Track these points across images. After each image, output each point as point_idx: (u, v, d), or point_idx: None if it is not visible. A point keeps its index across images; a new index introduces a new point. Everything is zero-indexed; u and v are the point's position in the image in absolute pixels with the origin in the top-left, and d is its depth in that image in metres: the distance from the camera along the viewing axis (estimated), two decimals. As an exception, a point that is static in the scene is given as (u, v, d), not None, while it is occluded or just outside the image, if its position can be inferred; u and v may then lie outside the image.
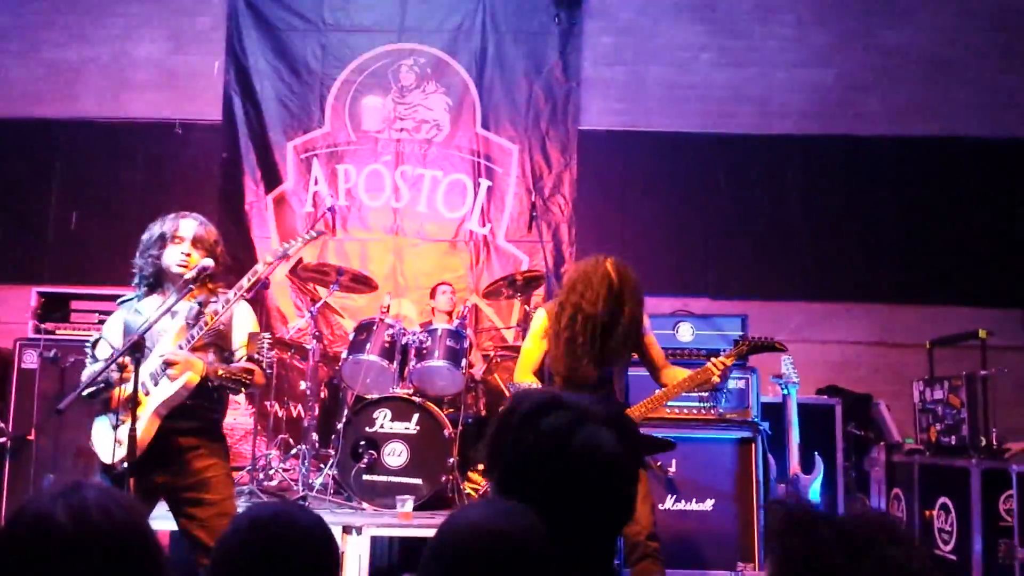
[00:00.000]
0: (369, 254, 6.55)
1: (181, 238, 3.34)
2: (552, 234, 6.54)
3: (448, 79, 6.80)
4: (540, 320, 3.84)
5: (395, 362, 5.15)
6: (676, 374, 3.76)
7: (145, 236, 3.41)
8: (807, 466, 4.72)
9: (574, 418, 1.37)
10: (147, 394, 3.24)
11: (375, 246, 6.57)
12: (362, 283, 5.63)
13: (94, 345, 3.40)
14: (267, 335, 3.49)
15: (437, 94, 6.79)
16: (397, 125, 6.76)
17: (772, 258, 6.50)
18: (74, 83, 6.91)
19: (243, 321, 3.37)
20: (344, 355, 5.23)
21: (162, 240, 3.35)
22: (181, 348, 3.22)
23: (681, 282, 6.35)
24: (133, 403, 3.06)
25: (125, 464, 3.08)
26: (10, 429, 4.97)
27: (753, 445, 4.63)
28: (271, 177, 6.70)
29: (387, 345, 5.16)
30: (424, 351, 5.18)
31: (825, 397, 5.63)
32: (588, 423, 1.36)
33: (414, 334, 5.30)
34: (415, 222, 6.64)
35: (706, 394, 4.70)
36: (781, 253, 6.51)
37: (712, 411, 4.74)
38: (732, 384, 4.75)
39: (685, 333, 4.95)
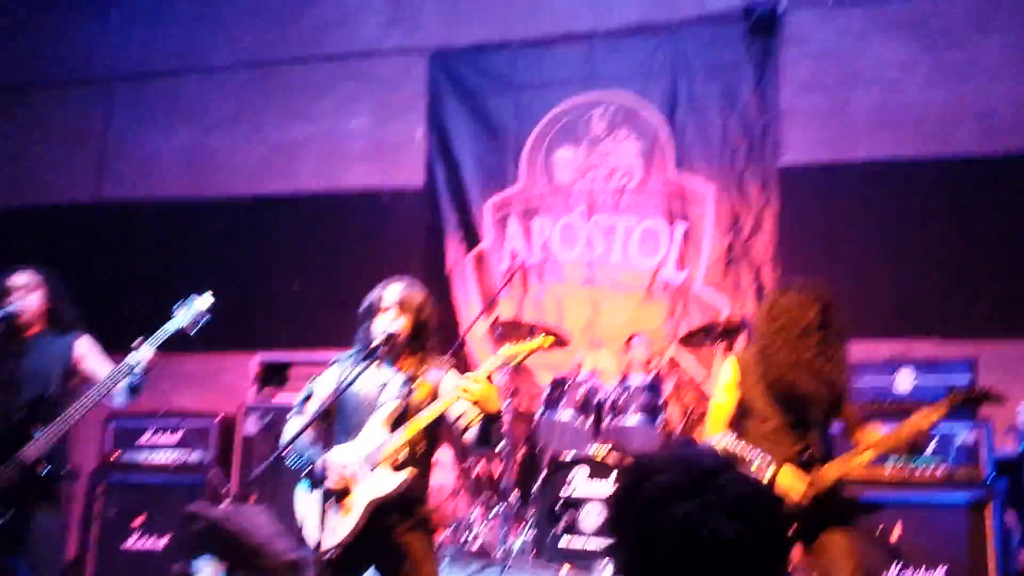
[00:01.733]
0: (565, 307, 6.53)
1: (386, 307, 3.45)
2: (754, 276, 6.21)
3: (639, 123, 6.70)
4: (730, 370, 3.65)
5: (590, 418, 5.06)
6: (871, 434, 3.44)
7: (362, 306, 3.56)
8: (1056, 531, 4.12)
9: (704, 507, 1.24)
10: (360, 481, 3.28)
11: (571, 299, 6.54)
12: (556, 342, 5.59)
13: (305, 400, 3.56)
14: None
15: (629, 140, 6.70)
16: (589, 175, 6.73)
17: (1004, 293, 5.77)
18: (294, 160, 7.46)
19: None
20: (539, 413, 5.21)
21: (370, 310, 3.48)
22: (393, 441, 3.29)
23: (902, 323, 5.78)
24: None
25: (329, 555, 3.18)
26: (233, 494, 5.34)
27: (988, 507, 4.10)
28: (471, 237, 6.88)
29: (581, 401, 5.09)
30: (619, 407, 5.06)
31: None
32: (715, 513, 1.23)
33: (609, 390, 5.19)
34: (610, 273, 6.55)
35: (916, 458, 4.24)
36: (1014, 287, 5.77)
37: (937, 469, 4.25)
38: (960, 438, 4.25)
39: (904, 382, 4.51)
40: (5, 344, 3.85)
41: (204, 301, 3.86)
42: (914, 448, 3.48)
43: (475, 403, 3.20)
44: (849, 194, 6.20)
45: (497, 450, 5.24)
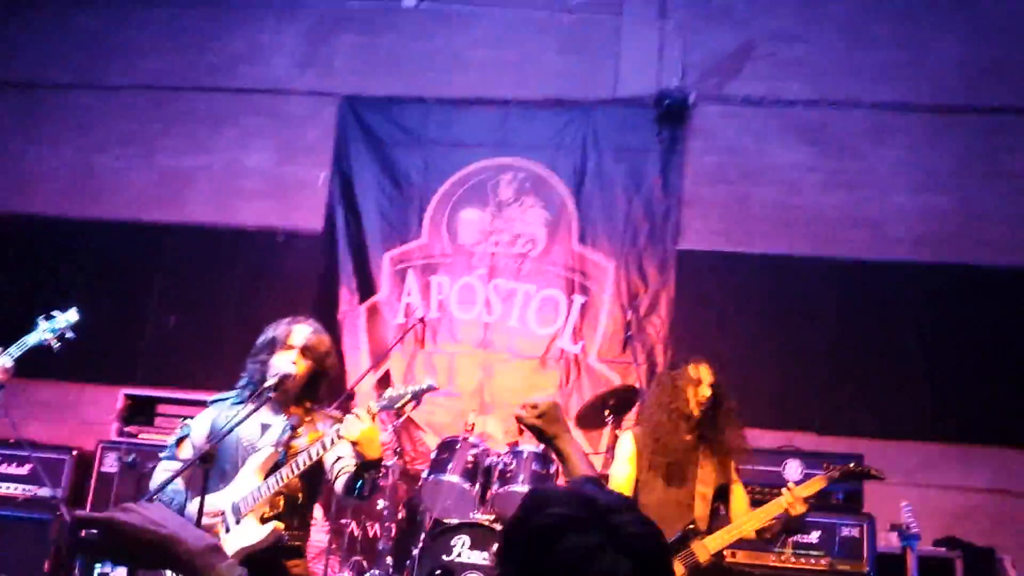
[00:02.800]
0: (457, 368, 6.39)
1: (291, 345, 3.26)
2: (647, 355, 6.26)
3: (546, 193, 6.73)
4: (630, 443, 3.72)
5: (477, 484, 4.90)
6: (743, 509, 3.55)
7: (259, 339, 3.35)
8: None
9: (599, 543, 1.15)
10: (227, 530, 3.08)
11: (464, 360, 6.41)
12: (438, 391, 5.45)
13: (179, 443, 3.32)
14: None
15: (535, 208, 6.72)
16: (493, 239, 6.69)
17: (886, 393, 5.98)
18: (186, 189, 7.13)
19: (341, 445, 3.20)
20: (424, 474, 5.01)
21: (272, 345, 3.28)
22: (264, 490, 3.08)
23: (785, 416, 5.91)
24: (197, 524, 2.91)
25: None
26: (83, 534, 4.88)
27: (867, 602, 4.16)
28: (366, 287, 6.69)
29: (470, 466, 4.93)
30: (508, 474, 4.92)
31: (944, 549, 5.06)
32: (610, 549, 1.14)
33: (499, 456, 5.05)
34: (506, 337, 6.47)
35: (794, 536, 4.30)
36: (895, 388, 5.99)
37: (822, 561, 4.30)
38: (845, 532, 4.33)
39: (793, 471, 4.58)
40: None
41: (70, 316, 3.71)
42: (791, 525, 3.56)
43: (354, 444, 3.05)
44: (744, 284, 6.37)
45: (380, 507, 5.02)
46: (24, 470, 4.98)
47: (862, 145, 6.56)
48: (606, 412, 5.36)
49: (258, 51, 7.37)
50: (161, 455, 3.41)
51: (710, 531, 3.54)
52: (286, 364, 3.22)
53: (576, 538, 1.15)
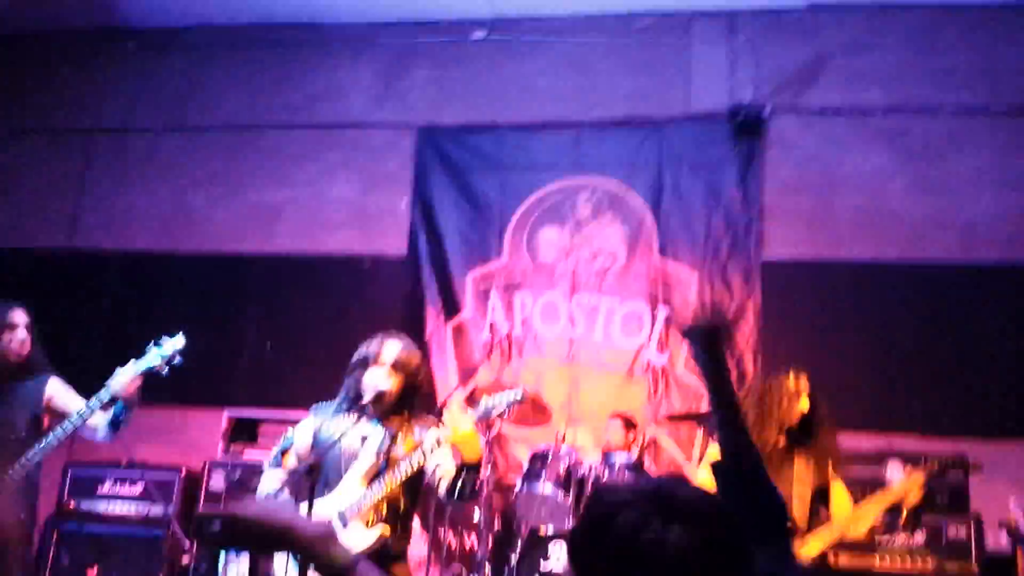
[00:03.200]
0: (545, 382, 6.45)
1: (383, 362, 3.36)
2: (735, 364, 6.22)
3: (625, 210, 6.79)
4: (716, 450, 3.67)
5: (571, 494, 4.93)
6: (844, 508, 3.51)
7: (355, 356, 3.46)
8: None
9: (648, 513, 1.19)
10: None
11: (550, 375, 6.47)
12: (537, 411, 5.51)
13: (283, 452, 3.43)
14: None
15: (614, 225, 6.78)
16: (573, 256, 6.77)
17: (984, 392, 5.84)
18: (274, 222, 7.39)
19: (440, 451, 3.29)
20: (518, 485, 5.07)
21: (365, 361, 3.39)
22: (369, 496, 3.17)
23: (883, 418, 5.82)
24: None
25: None
26: (195, 550, 5.06)
27: (980, 603, 4.05)
28: (451, 307, 6.83)
29: (562, 476, 4.97)
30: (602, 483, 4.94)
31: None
32: (659, 520, 1.17)
33: (591, 466, 5.09)
34: (591, 351, 6.52)
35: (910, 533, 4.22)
36: (994, 387, 5.84)
37: (928, 560, 4.21)
38: (952, 532, 4.24)
39: (895, 472, 4.49)
40: None
41: (177, 342, 3.86)
42: (894, 523, 3.52)
43: (454, 446, 3.14)
44: (831, 292, 6.31)
45: (476, 519, 5.08)
46: (136, 490, 5.18)
47: (943, 149, 6.48)
48: (697, 425, 5.38)
49: (336, 88, 7.63)
50: (266, 464, 3.53)
51: (810, 532, 3.51)
52: (380, 380, 3.34)
53: (628, 514, 1.19)
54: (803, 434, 3.70)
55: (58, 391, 3.86)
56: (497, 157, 7.10)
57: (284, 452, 3.47)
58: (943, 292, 6.15)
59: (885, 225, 6.39)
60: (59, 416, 3.75)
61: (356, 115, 7.53)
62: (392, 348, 3.41)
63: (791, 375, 3.78)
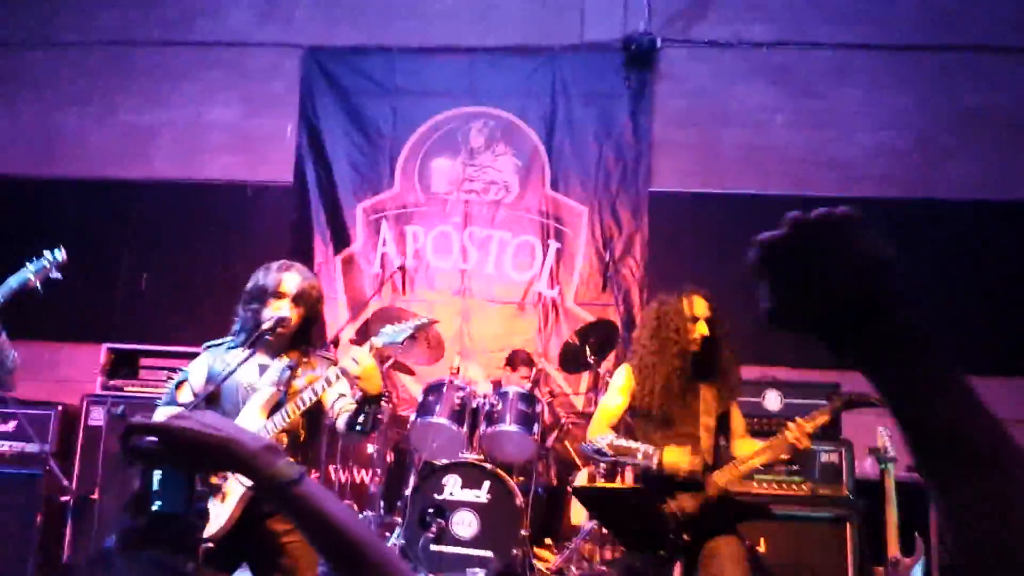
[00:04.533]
0: (436, 315, 6.39)
1: (284, 293, 3.24)
2: (623, 297, 6.36)
3: (517, 141, 6.75)
4: (624, 375, 3.68)
5: (465, 426, 4.98)
6: (749, 446, 3.55)
7: (249, 285, 3.32)
8: (907, 549, 4.38)
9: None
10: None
11: (442, 308, 6.44)
12: (432, 347, 5.49)
13: (178, 386, 3.32)
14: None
15: (506, 156, 6.74)
16: (466, 187, 6.70)
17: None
18: (150, 146, 7.02)
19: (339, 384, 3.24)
20: (412, 418, 5.08)
21: (263, 293, 3.26)
22: (269, 427, 3.11)
23: (762, 350, 6.05)
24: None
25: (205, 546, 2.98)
26: (74, 487, 4.89)
27: (848, 525, 4.32)
28: (340, 238, 6.69)
29: (457, 408, 5.00)
30: (495, 415, 5.00)
31: (919, 475, 5.27)
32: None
33: (484, 397, 5.13)
34: (483, 284, 6.53)
35: (795, 466, 4.43)
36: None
37: (803, 486, 4.45)
38: (825, 458, 4.47)
39: (773, 401, 4.71)
40: None
41: (57, 255, 3.64)
42: (795, 456, 3.61)
43: (357, 379, 3.11)
44: (716, 224, 6.46)
45: (369, 452, 5.08)
46: (10, 427, 4.93)
47: (824, 85, 6.67)
48: (588, 352, 5.44)
49: (216, 4, 7.23)
50: (159, 402, 3.42)
51: (716, 465, 3.53)
52: (281, 311, 3.24)
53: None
54: (706, 359, 3.61)
55: None
56: (389, 82, 6.91)
57: (179, 386, 3.35)
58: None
59: (768, 159, 6.57)
60: None
61: (237, 33, 7.17)
62: (292, 279, 3.30)
63: (684, 298, 3.65)
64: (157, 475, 2.74)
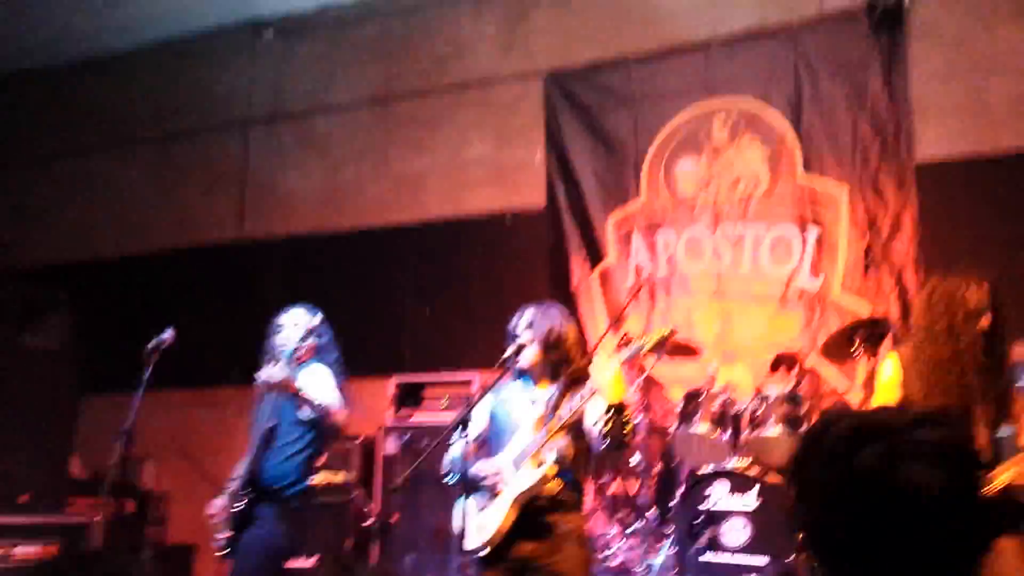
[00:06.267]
0: (694, 321, 6.37)
1: (518, 333, 3.59)
2: (896, 280, 5.91)
3: (763, 128, 6.51)
4: (891, 368, 3.49)
5: (727, 431, 4.94)
6: None
7: (510, 325, 3.69)
8: None
9: (890, 451, 1.09)
10: (506, 483, 3.43)
11: (700, 312, 6.38)
12: (686, 351, 5.50)
13: (463, 426, 3.66)
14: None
15: (753, 146, 6.53)
16: (713, 185, 6.59)
17: None
18: (419, 190, 7.64)
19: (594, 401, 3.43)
20: (673, 427, 5.12)
21: (511, 335, 3.61)
22: (538, 439, 3.38)
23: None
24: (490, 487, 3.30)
25: (484, 551, 3.29)
26: (376, 513, 5.46)
27: None
28: (594, 255, 6.84)
29: (717, 414, 4.97)
30: (758, 419, 4.91)
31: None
32: (908, 458, 1.08)
33: (746, 401, 5.05)
34: (740, 284, 6.37)
35: None
36: None
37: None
38: None
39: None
40: None
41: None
42: None
43: (602, 393, 3.28)
44: (994, 189, 5.84)
45: (635, 464, 5.19)
46: (320, 459, 5.60)
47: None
48: (855, 345, 5.15)
49: (460, 46, 7.71)
50: (450, 440, 3.75)
51: (996, 462, 3.22)
52: (526, 355, 3.55)
53: (869, 450, 1.10)
54: (988, 354, 3.33)
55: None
56: (626, 91, 6.97)
57: (464, 425, 3.66)
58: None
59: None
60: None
61: (482, 71, 7.60)
62: (524, 319, 3.60)
63: (968, 290, 3.36)
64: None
